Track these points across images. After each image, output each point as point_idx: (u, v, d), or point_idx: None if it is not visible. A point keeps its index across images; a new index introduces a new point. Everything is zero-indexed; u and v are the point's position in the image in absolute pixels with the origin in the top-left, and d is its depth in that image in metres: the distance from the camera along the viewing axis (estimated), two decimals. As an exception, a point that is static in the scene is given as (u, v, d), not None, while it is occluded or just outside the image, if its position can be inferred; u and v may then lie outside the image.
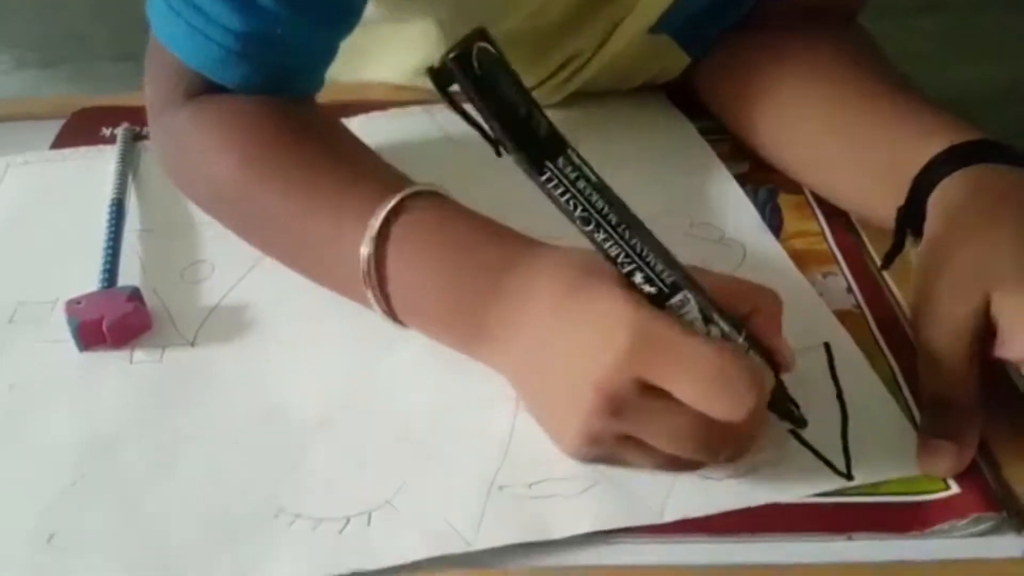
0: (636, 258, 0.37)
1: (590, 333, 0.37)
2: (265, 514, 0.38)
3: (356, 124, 0.61)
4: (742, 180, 0.57)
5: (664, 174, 0.57)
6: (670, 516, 0.38)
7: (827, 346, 0.45)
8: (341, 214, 0.44)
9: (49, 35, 0.98)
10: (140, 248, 0.53)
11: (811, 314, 0.47)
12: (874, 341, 0.46)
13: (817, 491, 0.39)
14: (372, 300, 0.43)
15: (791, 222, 0.54)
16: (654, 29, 0.59)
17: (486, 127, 0.35)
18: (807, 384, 0.43)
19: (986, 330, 0.40)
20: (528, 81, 0.62)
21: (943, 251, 0.42)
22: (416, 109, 0.63)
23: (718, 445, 0.38)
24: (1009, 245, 0.41)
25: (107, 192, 0.55)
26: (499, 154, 0.36)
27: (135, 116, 0.62)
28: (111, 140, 0.61)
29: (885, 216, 0.48)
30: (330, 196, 0.45)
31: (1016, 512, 0.38)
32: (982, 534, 0.38)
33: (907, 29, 0.81)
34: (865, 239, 0.53)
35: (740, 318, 0.38)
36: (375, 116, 0.63)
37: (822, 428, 0.41)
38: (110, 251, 0.51)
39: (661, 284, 0.37)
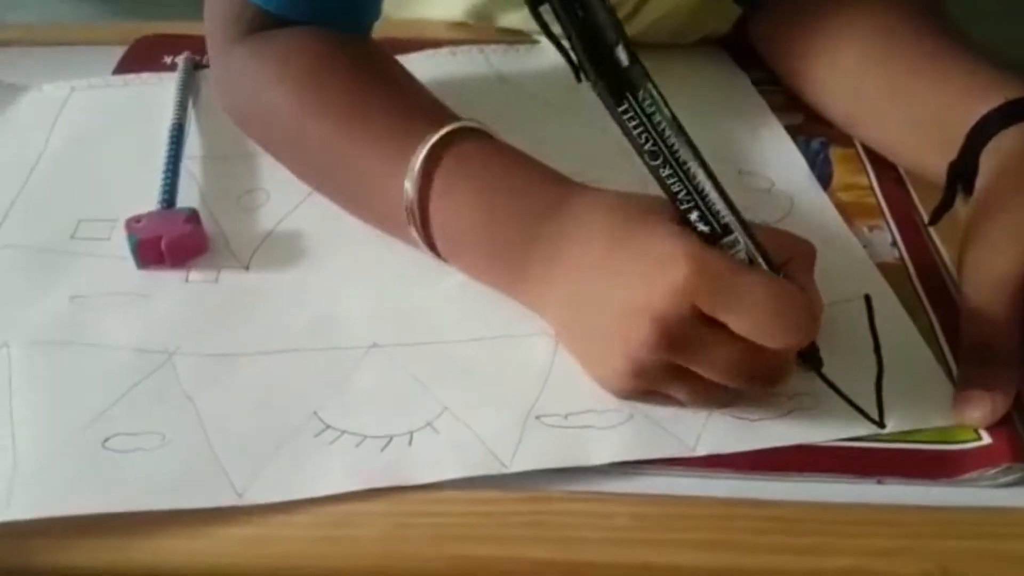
0: (696, 196, 0.38)
1: (647, 264, 0.37)
2: (311, 429, 0.39)
3: (410, 62, 0.62)
4: (794, 131, 0.57)
5: (716, 122, 0.57)
6: (703, 450, 0.39)
7: (867, 298, 0.45)
8: (386, 150, 0.45)
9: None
10: (199, 173, 0.54)
11: (854, 266, 0.47)
12: (915, 294, 0.46)
13: (849, 435, 0.40)
14: (416, 238, 0.44)
15: (841, 174, 0.54)
16: None
17: (571, 51, 0.35)
18: (846, 335, 0.44)
19: None
20: None
21: (992, 204, 0.43)
22: (471, 48, 0.64)
23: (765, 374, 0.39)
24: None
25: (168, 117, 0.57)
26: (579, 80, 0.36)
27: (196, 45, 0.64)
28: (172, 68, 0.63)
29: (937, 171, 0.48)
30: (377, 131, 0.46)
31: None
32: (1011, 484, 0.38)
33: None
34: (913, 194, 0.53)
35: (779, 265, 0.39)
36: (429, 54, 0.63)
37: (858, 378, 0.42)
38: (170, 173, 0.52)
39: (715, 224, 0.38)
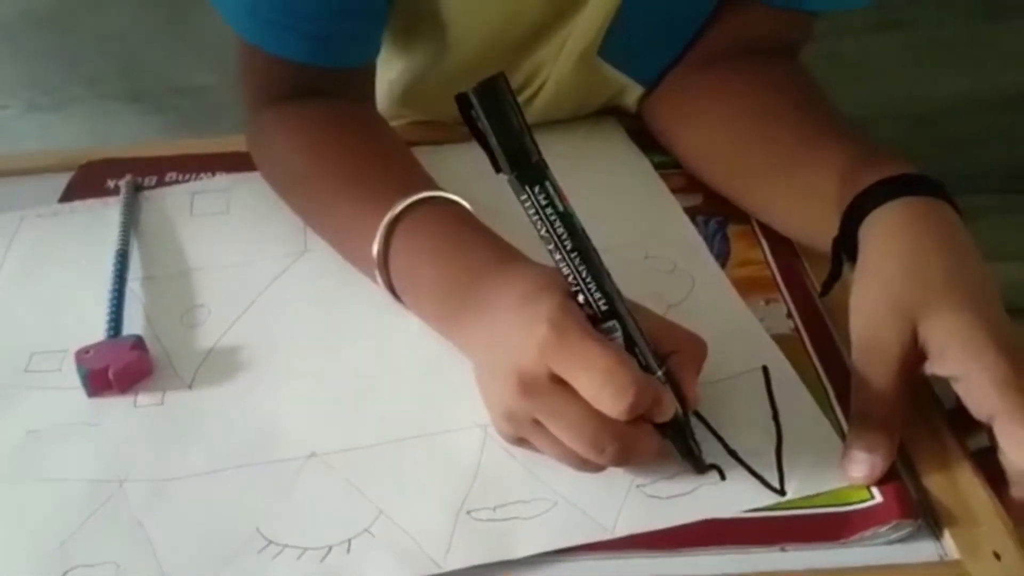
0: (581, 282, 0.43)
1: (523, 326, 0.43)
2: (254, 546, 0.42)
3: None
4: (694, 212, 0.60)
5: (622, 208, 0.61)
6: (621, 531, 0.42)
7: (765, 369, 0.49)
8: (366, 210, 0.53)
9: (60, 77, 1.02)
10: (143, 295, 0.57)
11: (752, 339, 0.51)
12: (811, 364, 0.50)
13: (753, 506, 0.43)
14: (379, 280, 0.52)
15: (738, 251, 0.58)
16: (604, 55, 0.64)
17: (494, 146, 0.42)
18: (746, 405, 0.47)
19: (913, 354, 0.44)
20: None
21: (873, 280, 0.46)
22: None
23: (604, 442, 0.42)
24: (933, 273, 0.45)
25: (113, 243, 0.60)
26: (497, 171, 0.43)
27: (138, 167, 0.68)
28: (116, 192, 0.66)
29: (823, 244, 0.51)
30: (362, 195, 0.55)
31: (933, 518, 0.42)
32: (903, 540, 0.41)
33: (867, 46, 0.84)
34: (807, 266, 0.56)
35: (663, 355, 0.43)
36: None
37: (758, 447, 0.45)
38: (115, 301, 0.55)
39: (596, 309, 0.43)
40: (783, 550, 0.42)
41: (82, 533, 0.43)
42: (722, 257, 0.57)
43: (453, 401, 0.48)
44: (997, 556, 0.40)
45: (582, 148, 0.67)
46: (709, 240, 0.58)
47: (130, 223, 0.62)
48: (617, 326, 0.43)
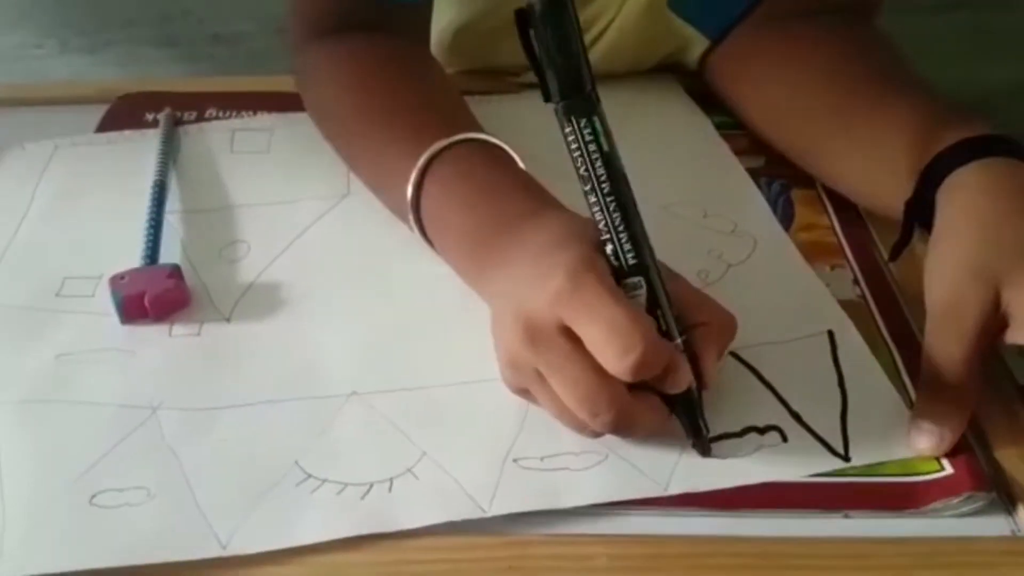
0: (612, 230, 0.40)
1: (540, 274, 0.40)
2: (293, 478, 0.40)
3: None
4: (756, 174, 0.58)
5: (681, 166, 0.59)
6: (675, 490, 0.40)
7: (831, 333, 0.47)
8: (403, 150, 0.51)
9: (95, 19, 1.00)
10: (181, 228, 0.55)
11: (817, 303, 0.49)
12: (877, 331, 0.48)
13: (815, 471, 0.41)
14: (412, 223, 0.50)
15: (802, 215, 0.56)
16: (672, 6, 0.61)
17: (547, 70, 0.39)
18: (811, 370, 0.45)
19: (994, 322, 0.41)
20: None
21: (953, 244, 0.44)
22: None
23: (601, 405, 0.39)
24: (1018, 238, 0.42)
25: (150, 174, 0.58)
26: (546, 100, 0.40)
27: (177, 101, 0.66)
28: (154, 125, 0.64)
29: (893, 208, 0.49)
30: (401, 133, 0.53)
31: (1006, 492, 0.40)
32: (973, 513, 0.40)
33: (928, 27, 0.81)
34: (873, 232, 0.54)
35: (689, 326, 0.41)
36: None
37: (823, 413, 0.43)
38: (152, 230, 0.54)
39: (624, 261, 0.40)
40: (847, 516, 0.40)
41: (112, 457, 0.42)
42: (786, 221, 0.55)
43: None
44: None
45: (641, 105, 0.65)
46: (772, 203, 0.56)
47: (169, 155, 0.60)
48: (642, 283, 0.40)
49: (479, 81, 0.68)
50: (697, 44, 0.64)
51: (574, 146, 0.40)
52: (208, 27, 0.91)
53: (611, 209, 0.40)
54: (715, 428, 0.42)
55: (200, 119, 0.65)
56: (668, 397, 0.41)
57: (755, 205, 0.56)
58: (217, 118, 0.65)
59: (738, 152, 0.60)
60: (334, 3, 0.59)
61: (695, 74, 0.67)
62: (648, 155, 0.60)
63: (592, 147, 0.40)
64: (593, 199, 0.40)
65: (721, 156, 0.60)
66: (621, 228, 0.40)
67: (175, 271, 0.50)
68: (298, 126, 0.62)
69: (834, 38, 0.58)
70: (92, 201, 0.58)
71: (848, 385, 0.44)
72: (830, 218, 0.56)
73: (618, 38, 0.64)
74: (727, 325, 0.43)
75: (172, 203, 0.57)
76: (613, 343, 0.38)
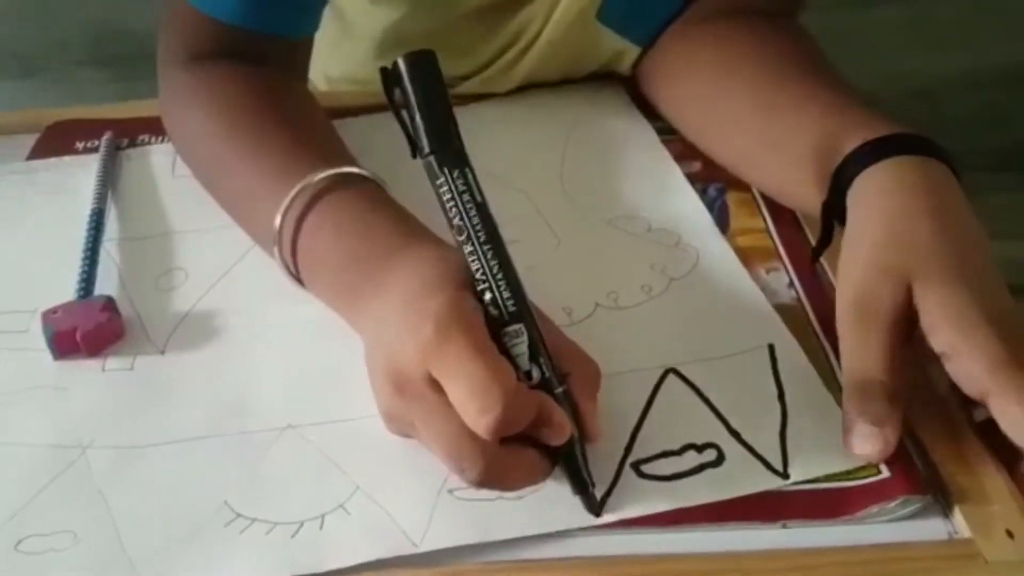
0: (491, 279, 0.40)
1: (409, 324, 0.40)
2: (221, 518, 0.40)
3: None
4: (692, 179, 0.58)
5: (626, 178, 0.58)
6: (609, 518, 0.40)
7: (771, 347, 0.46)
8: (275, 179, 0.49)
9: (29, 43, 0.98)
10: (118, 256, 0.54)
11: (758, 316, 0.48)
12: (813, 334, 0.48)
13: (755, 491, 0.40)
14: (278, 257, 0.49)
15: (738, 219, 0.55)
16: (602, 19, 0.61)
17: (411, 127, 0.40)
18: (751, 383, 0.45)
19: (907, 316, 0.41)
20: (480, 58, 0.64)
21: (863, 244, 0.44)
22: (389, 116, 0.64)
23: (464, 460, 0.38)
24: (924, 238, 0.42)
25: (85, 202, 0.57)
26: (414, 155, 0.41)
27: (111, 128, 0.64)
28: (85, 153, 0.63)
29: (814, 210, 0.49)
30: (273, 162, 0.51)
31: (943, 495, 0.40)
32: (910, 517, 0.39)
33: (865, 20, 0.81)
34: (809, 234, 0.54)
35: (563, 374, 0.40)
36: (350, 123, 0.64)
37: (763, 428, 0.43)
38: (88, 260, 0.53)
39: (504, 309, 0.40)
40: (784, 527, 0.39)
41: (39, 500, 0.41)
42: (722, 225, 0.55)
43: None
44: (1010, 535, 0.38)
45: (587, 115, 0.64)
46: (709, 207, 0.56)
47: (107, 182, 0.59)
48: (523, 330, 0.40)
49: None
50: (629, 53, 0.64)
51: (447, 197, 0.40)
52: (144, 47, 0.89)
53: (488, 258, 0.40)
54: (655, 446, 0.42)
55: (131, 145, 0.63)
56: (553, 448, 0.40)
57: (698, 217, 0.55)
58: (149, 143, 0.64)
59: (675, 156, 0.60)
60: (210, 28, 0.56)
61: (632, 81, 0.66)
62: (593, 167, 0.59)
63: (466, 197, 0.40)
64: (469, 249, 0.40)
65: (665, 167, 0.59)
66: (499, 276, 0.40)
67: (109, 303, 0.49)
68: None
69: (754, 42, 0.57)
70: (27, 231, 0.57)
71: (788, 399, 0.44)
72: (765, 221, 0.55)
73: (548, 49, 0.63)
74: (592, 372, 0.42)
75: (111, 230, 0.56)
76: (474, 401, 0.37)
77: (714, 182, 0.58)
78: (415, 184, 0.43)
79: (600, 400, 0.43)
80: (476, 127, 0.62)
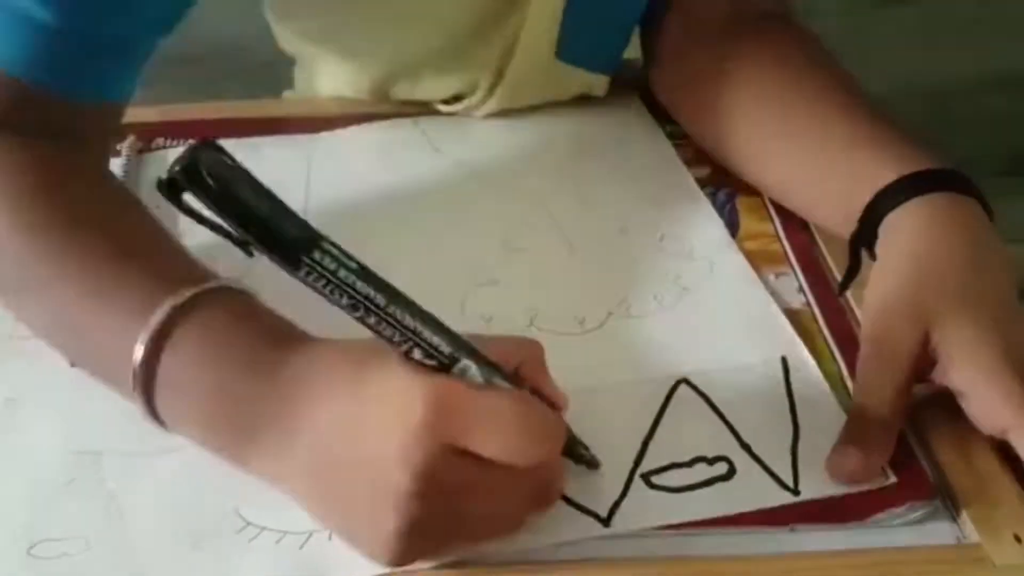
0: (411, 335, 0.36)
1: (384, 413, 0.35)
2: (232, 526, 0.40)
3: (345, 135, 0.63)
4: (702, 183, 0.58)
5: (639, 187, 0.59)
6: (618, 526, 0.40)
7: (784, 360, 0.46)
8: (122, 307, 0.41)
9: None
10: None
11: (771, 328, 0.48)
12: (823, 338, 0.48)
13: (764, 506, 0.40)
14: (138, 399, 0.40)
15: (747, 224, 0.56)
16: (561, 56, 0.61)
17: (231, 231, 0.35)
18: (763, 397, 0.45)
19: (923, 359, 0.42)
20: (451, 90, 0.63)
21: (889, 281, 0.44)
22: (405, 121, 0.65)
23: (539, 492, 0.37)
24: (950, 280, 0.43)
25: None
26: (250, 255, 0.36)
27: (133, 131, 0.65)
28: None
29: (839, 235, 0.50)
30: (112, 288, 0.42)
31: (951, 500, 0.40)
32: (919, 522, 0.40)
33: (871, 23, 0.80)
34: (818, 239, 0.54)
35: (513, 372, 0.38)
36: (365, 128, 0.65)
37: (774, 443, 0.43)
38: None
39: (440, 356, 0.37)
40: (792, 530, 0.39)
41: (53, 505, 0.41)
42: (731, 229, 0.55)
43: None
44: (1018, 539, 0.39)
45: (599, 121, 0.64)
46: (718, 211, 0.56)
47: (132, 187, 0.60)
48: (468, 364, 0.37)
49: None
50: (600, 81, 0.64)
51: (320, 283, 0.35)
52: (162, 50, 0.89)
53: (398, 318, 0.36)
54: (665, 456, 0.42)
55: (146, 150, 0.63)
56: None
57: (712, 228, 0.55)
58: (165, 147, 0.64)
59: (684, 161, 0.60)
60: None
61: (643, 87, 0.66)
62: (608, 175, 0.59)
63: (342, 273, 0.35)
64: (373, 320, 0.36)
65: (679, 176, 0.59)
66: (418, 329, 0.36)
67: (125, 309, 0.50)
68: (263, 149, 0.62)
69: (769, 58, 0.56)
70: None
71: (800, 414, 0.44)
72: (775, 225, 0.55)
73: (512, 94, 0.62)
74: (538, 352, 0.40)
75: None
76: (525, 440, 0.35)
77: (724, 187, 0.58)
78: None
79: (611, 409, 0.44)
80: (489, 134, 0.63)
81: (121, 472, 0.42)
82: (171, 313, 0.39)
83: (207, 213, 0.35)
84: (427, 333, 0.36)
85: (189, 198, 0.35)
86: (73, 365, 0.46)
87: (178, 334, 0.39)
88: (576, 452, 0.41)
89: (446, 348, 0.36)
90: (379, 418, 0.35)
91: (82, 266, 0.43)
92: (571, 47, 0.60)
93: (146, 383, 0.39)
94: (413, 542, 0.36)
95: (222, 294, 0.41)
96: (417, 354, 0.36)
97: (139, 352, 0.39)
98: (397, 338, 0.36)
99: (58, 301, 0.43)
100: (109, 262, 0.43)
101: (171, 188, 0.34)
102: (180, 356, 0.39)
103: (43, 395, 0.47)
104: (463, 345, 0.37)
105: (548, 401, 0.39)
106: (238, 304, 0.41)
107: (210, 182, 0.34)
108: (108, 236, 0.44)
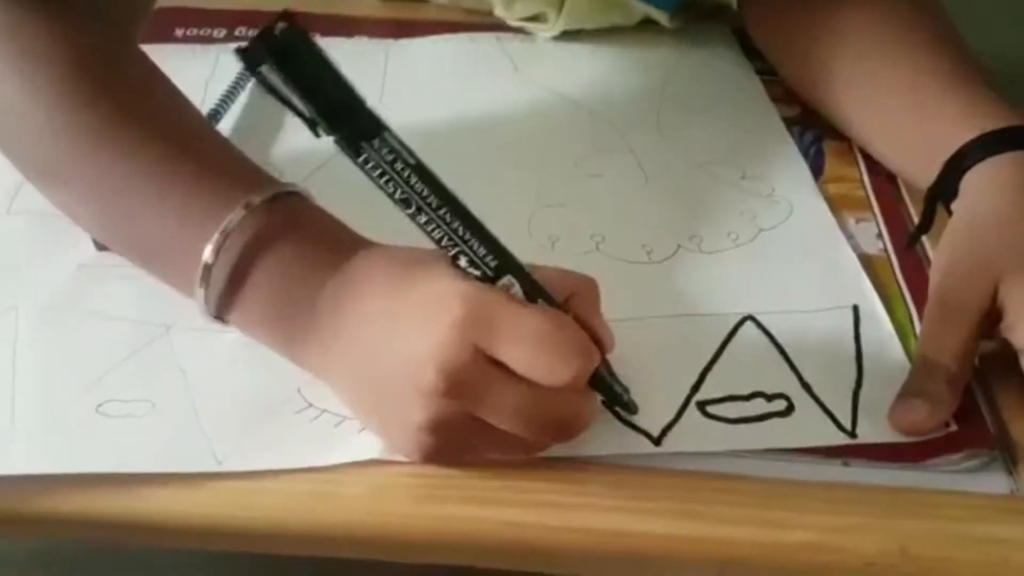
0: (460, 241, 0.36)
1: (423, 311, 0.36)
2: (292, 406, 0.41)
3: (424, 44, 0.63)
4: (790, 123, 0.58)
5: (722, 122, 0.58)
6: (668, 447, 0.40)
7: (855, 308, 0.46)
8: (182, 204, 0.41)
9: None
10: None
11: (847, 278, 0.48)
12: (897, 287, 0.47)
13: (819, 443, 0.40)
14: (200, 295, 0.40)
15: (833, 167, 0.55)
16: None
17: (301, 108, 0.35)
18: (831, 342, 0.44)
19: (990, 316, 0.41)
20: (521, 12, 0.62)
21: (963, 236, 0.44)
22: (489, 36, 0.64)
23: (559, 420, 0.37)
24: (1021, 238, 0.42)
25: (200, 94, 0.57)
26: (317, 135, 0.36)
27: (214, 19, 0.65)
28: (185, 42, 0.63)
29: (919, 185, 0.49)
30: (180, 187, 0.41)
31: (1009, 452, 0.40)
32: (974, 470, 0.39)
33: None
34: (903, 189, 0.53)
35: (565, 300, 0.38)
36: (447, 38, 0.64)
37: (836, 386, 0.42)
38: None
39: (485, 267, 0.37)
40: (845, 464, 0.39)
41: (122, 369, 0.42)
42: (816, 171, 0.54)
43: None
44: None
45: (688, 53, 0.64)
46: (804, 152, 0.55)
47: (236, 93, 0.58)
48: (514, 280, 0.37)
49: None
50: (660, 15, 0.63)
51: (377, 172, 0.36)
52: None
53: (449, 221, 0.36)
54: (723, 389, 0.42)
55: (230, 38, 0.64)
56: None
57: (794, 167, 0.54)
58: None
59: (773, 99, 0.59)
60: None
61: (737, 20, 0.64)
62: (692, 109, 0.59)
63: (399, 165, 0.35)
64: (424, 219, 0.36)
65: (766, 115, 0.58)
66: (467, 236, 0.36)
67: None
68: (340, 51, 0.61)
69: (875, 5, 0.55)
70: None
71: (865, 362, 0.43)
72: (860, 172, 0.55)
73: (573, 20, 0.62)
74: (592, 287, 0.39)
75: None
76: (549, 359, 0.35)
77: (812, 128, 0.57)
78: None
79: (670, 338, 0.44)
80: (574, 58, 0.62)
81: (190, 346, 0.43)
82: (242, 217, 0.39)
83: (279, 86, 0.35)
84: (475, 242, 0.36)
85: (266, 69, 0.35)
86: (100, 249, 0.47)
87: (245, 239, 0.40)
88: (614, 392, 0.39)
89: (492, 260, 0.36)
90: (417, 316, 0.36)
91: (136, 151, 0.42)
92: None
93: (211, 282, 0.40)
94: (438, 441, 0.36)
95: (285, 199, 0.41)
96: (463, 261, 0.36)
97: (208, 252, 0.39)
98: (445, 241, 0.36)
99: (108, 187, 0.42)
100: (167, 148, 0.42)
101: (250, 57, 0.35)
102: (245, 260, 0.40)
103: (115, 265, 0.47)
104: (512, 261, 0.37)
105: (594, 337, 0.37)
106: (301, 209, 0.41)
107: (289, 56, 0.34)
108: (156, 121, 0.43)
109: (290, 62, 0.34)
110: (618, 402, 0.40)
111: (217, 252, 0.39)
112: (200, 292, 0.40)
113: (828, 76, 0.55)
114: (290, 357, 0.41)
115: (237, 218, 0.39)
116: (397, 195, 0.36)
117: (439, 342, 0.35)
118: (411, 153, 0.36)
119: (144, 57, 0.47)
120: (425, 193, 0.36)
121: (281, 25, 0.34)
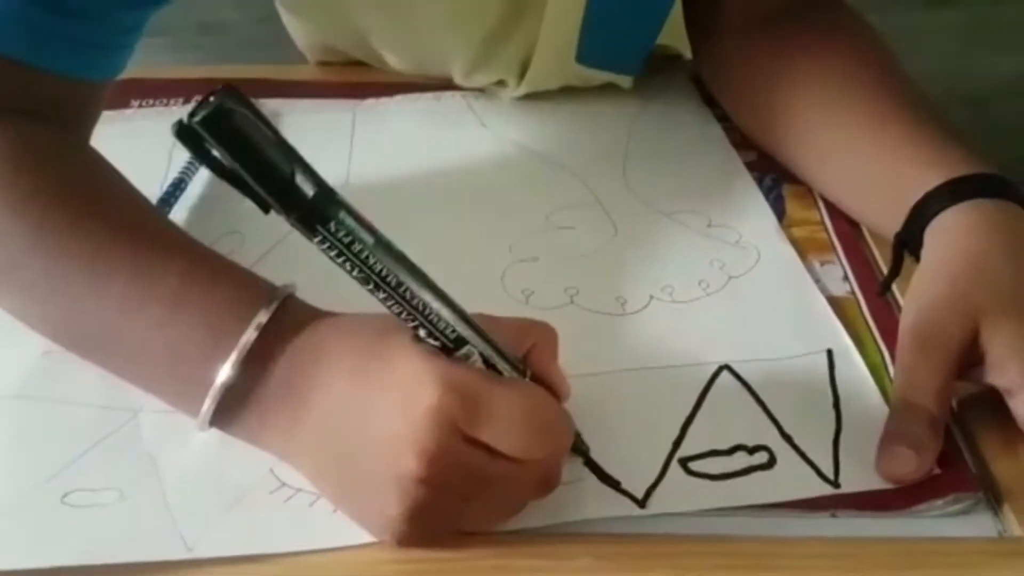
0: (418, 315, 0.35)
1: (397, 393, 0.35)
2: (266, 486, 0.40)
3: (391, 104, 0.63)
4: (749, 168, 0.58)
5: (687, 171, 0.58)
6: (654, 508, 0.39)
7: (830, 353, 0.46)
8: (191, 323, 0.39)
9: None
10: (184, 217, 0.54)
11: (818, 321, 0.48)
12: (867, 328, 0.47)
13: (804, 496, 0.40)
14: (208, 410, 0.39)
15: (793, 209, 0.55)
16: (582, 60, 0.60)
17: (252, 186, 0.33)
18: (807, 388, 0.44)
19: (970, 354, 0.41)
20: (479, 83, 0.63)
21: (938, 276, 0.44)
22: (455, 95, 0.65)
23: (543, 483, 0.37)
24: (1001, 278, 0.42)
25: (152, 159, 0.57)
26: (266, 212, 0.34)
27: (168, 89, 0.64)
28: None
29: (882, 233, 0.49)
30: (160, 301, 0.40)
31: (993, 493, 0.40)
32: (961, 513, 0.39)
33: (920, 23, 0.79)
34: (864, 230, 0.54)
35: (524, 354, 0.38)
36: (413, 98, 0.64)
37: (816, 435, 0.42)
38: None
39: (445, 339, 0.36)
40: (833, 516, 0.39)
41: (89, 458, 0.41)
42: (777, 216, 0.54)
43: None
44: None
45: (650, 103, 0.64)
46: (764, 196, 0.56)
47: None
48: (472, 349, 0.36)
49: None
50: (623, 80, 0.63)
51: (334, 253, 0.34)
52: (195, 16, 0.89)
53: (408, 297, 0.35)
54: (704, 444, 0.41)
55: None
56: None
57: (762, 216, 0.54)
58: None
59: (732, 144, 0.60)
60: None
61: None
62: (657, 159, 0.59)
63: (357, 247, 0.34)
64: (383, 295, 0.35)
65: (729, 161, 0.59)
66: (427, 311, 0.35)
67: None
68: (306, 113, 0.62)
69: (826, 48, 0.55)
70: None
71: (843, 407, 0.43)
72: (821, 214, 0.55)
73: (535, 87, 0.62)
74: (551, 336, 0.39)
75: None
76: (535, 437, 0.35)
77: (770, 172, 0.57)
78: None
79: (649, 392, 0.43)
80: (537, 112, 0.62)
81: (158, 431, 0.42)
82: (255, 339, 0.38)
83: (226, 164, 0.33)
84: (435, 313, 0.35)
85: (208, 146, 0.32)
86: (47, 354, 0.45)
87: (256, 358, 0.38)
88: (578, 449, 0.40)
89: (452, 332, 0.36)
90: (390, 402, 0.35)
91: (85, 254, 0.40)
92: (591, 51, 0.60)
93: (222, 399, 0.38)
94: (418, 525, 0.35)
95: (284, 304, 0.39)
96: (423, 332, 0.36)
97: (227, 373, 0.38)
98: (405, 315, 0.35)
99: (64, 294, 0.41)
100: (118, 252, 0.40)
101: (189, 136, 0.32)
102: (253, 377, 0.38)
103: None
104: (472, 328, 0.36)
105: (551, 388, 0.38)
106: (294, 311, 0.40)
107: (231, 134, 0.31)
108: (106, 217, 0.42)
109: (234, 141, 0.32)
110: (577, 451, 0.40)
111: (237, 372, 0.38)
112: (208, 408, 0.39)
113: (785, 125, 0.55)
114: (252, 442, 0.40)
115: (251, 339, 0.38)
116: (354, 274, 0.35)
117: (418, 428, 0.34)
118: (368, 230, 0.34)
119: (98, 157, 0.46)
120: (384, 272, 0.35)
121: (219, 95, 0.31)
